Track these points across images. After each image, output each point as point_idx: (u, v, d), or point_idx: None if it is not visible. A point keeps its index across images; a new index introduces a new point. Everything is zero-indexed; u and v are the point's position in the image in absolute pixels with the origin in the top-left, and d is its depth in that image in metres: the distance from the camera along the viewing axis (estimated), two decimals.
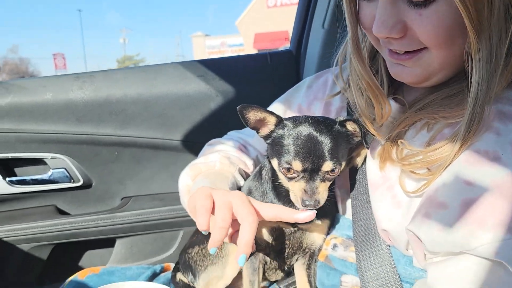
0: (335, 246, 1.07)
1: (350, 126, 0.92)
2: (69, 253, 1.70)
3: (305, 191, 0.89)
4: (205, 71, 1.72)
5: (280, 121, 0.95)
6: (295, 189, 0.91)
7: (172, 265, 1.38)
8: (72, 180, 1.65)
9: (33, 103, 1.57)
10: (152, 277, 1.29)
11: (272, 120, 0.95)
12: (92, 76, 1.64)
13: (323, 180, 0.92)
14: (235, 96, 1.74)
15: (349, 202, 1.11)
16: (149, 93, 1.67)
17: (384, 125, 0.94)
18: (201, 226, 0.82)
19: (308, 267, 1.11)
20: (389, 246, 0.94)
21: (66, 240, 1.62)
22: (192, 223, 1.73)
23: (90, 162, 1.67)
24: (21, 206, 1.66)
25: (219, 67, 1.75)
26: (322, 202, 0.90)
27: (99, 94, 1.62)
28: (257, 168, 1.22)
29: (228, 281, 1.17)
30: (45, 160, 1.63)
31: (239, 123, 1.51)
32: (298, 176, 0.91)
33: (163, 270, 1.38)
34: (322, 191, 0.92)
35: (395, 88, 0.99)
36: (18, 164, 1.63)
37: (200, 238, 1.29)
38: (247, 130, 1.39)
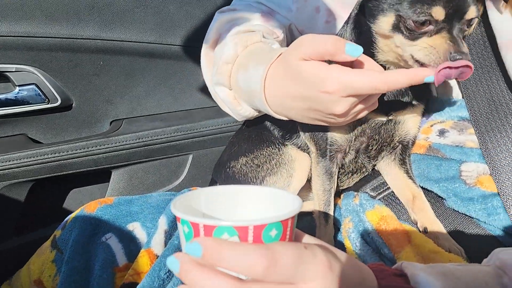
0: (442, 132, 0.86)
1: None
2: (51, 193, 1.36)
3: (451, 42, 0.67)
4: None
5: None
6: (436, 42, 0.68)
7: None
8: (47, 100, 1.28)
9: None
10: None
11: None
12: None
13: (462, 32, 0.71)
14: None
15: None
16: None
17: None
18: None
19: (402, 162, 0.90)
20: None
21: (50, 174, 1.26)
22: (203, 145, 1.45)
23: (68, 76, 1.30)
24: None
25: None
26: (469, 58, 0.69)
27: None
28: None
29: (295, 193, 0.94)
30: (7, 74, 1.23)
31: None
32: (435, 27, 0.69)
33: None
34: (465, 45, 0.70)
35: None
36: None
37: (245, 148, 1.04)
38: None
